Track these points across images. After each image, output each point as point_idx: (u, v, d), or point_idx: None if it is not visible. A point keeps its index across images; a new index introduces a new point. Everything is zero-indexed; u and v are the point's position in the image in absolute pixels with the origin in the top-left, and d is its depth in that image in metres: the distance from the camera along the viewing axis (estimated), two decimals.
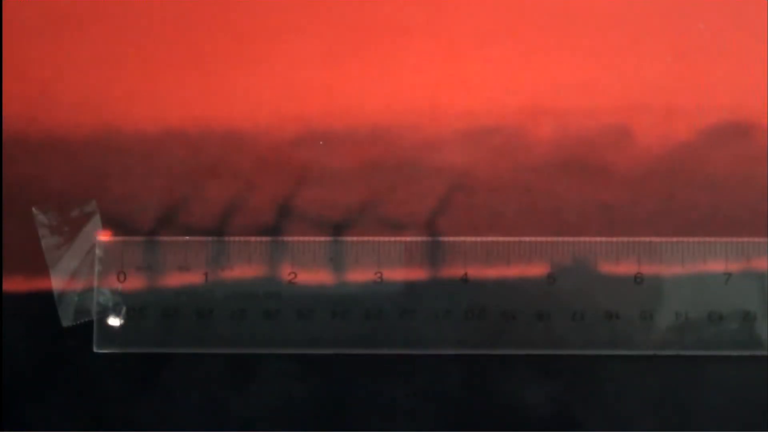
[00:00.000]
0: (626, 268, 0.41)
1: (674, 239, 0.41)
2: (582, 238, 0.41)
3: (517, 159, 0.42)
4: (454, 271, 0.41)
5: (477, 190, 0.42)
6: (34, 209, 0.42)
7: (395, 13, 0.42)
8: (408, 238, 0.41)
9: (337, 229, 0.42)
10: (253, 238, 0.41)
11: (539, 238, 0.41)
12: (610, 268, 0.41)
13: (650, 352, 0.41)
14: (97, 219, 0.42)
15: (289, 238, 0.41)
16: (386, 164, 0.42)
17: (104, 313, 0.41)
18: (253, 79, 0.42)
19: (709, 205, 0.41)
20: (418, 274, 0.41)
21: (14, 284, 0.42)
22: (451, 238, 0.41)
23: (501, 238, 0.41)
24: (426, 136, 0.42)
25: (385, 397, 0.41)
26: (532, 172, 0.42)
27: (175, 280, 0.41)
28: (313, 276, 0.41)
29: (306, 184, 0.42)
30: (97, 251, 0.41)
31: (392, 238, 0.41)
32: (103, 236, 0.42)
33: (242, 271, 0.41)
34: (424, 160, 0.42)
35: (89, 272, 0.41)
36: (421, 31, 0.42)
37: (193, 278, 0.41)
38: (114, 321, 0.41)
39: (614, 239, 0.41)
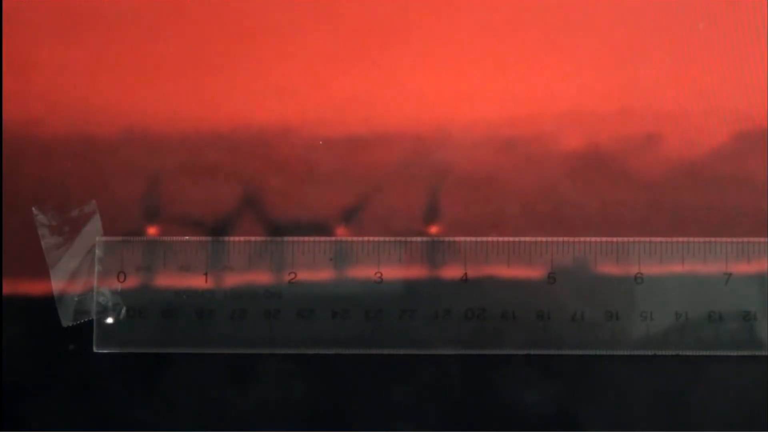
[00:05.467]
0: (626, 268, 0.41)
1: (674, 239, 0.41)
2: (582, 238, 0.41)
3: (522, 161, 0.42)
4: (454, 271, 0.41)
5: (481, 192, 0.42)
6: (34, 209, 0.42)
7: (401, 13, 0.42)
8: (408, 238, 0.41)
9: (337, 229, 0.42)
10: (253, 238, 0.41)
11: (539, 238, 0.41)
12: (610, 268, 0.41)
13: (650, 352, 0.41)
14: (97, 219, 0.42)
15: (289, 238, 0.41)
16: (388, 165, 0.42)
17: (104, 313, 0.41)
18: (254, 80, 0.42)
19: (710, 205, 0.41)
20: (418, 274, 0.41)
21: (14, 284, 0.42)
22: (451, 238, 0.41)
23: (501, 238, 0.41)
24: (431, 138, 0.42)
25: (385, 397, 0.41)
26: (537, 174, 0.42)
27: (175, 280, 0.41)
28: (313, 276, 0.41)
29: (306, 185, 0.42)
30: (97, 251, 0.41)
31: (392, 238, 0.41)
32: (103, 236, 0.42)
33: (242, 271, 0.41)
34: (428, 161, 0.42)
35: (89, 272, 0.41)
36: (429, 33, 0.42)
37: (193, 278, 0.41)
38: (114, 321, 0.41)
39: (614, 239, 0.41)
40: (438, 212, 0.42)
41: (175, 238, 0.41)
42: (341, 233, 0.42)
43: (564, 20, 0.42)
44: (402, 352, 0.41)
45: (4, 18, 0.42)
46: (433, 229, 0.41)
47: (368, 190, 0.42)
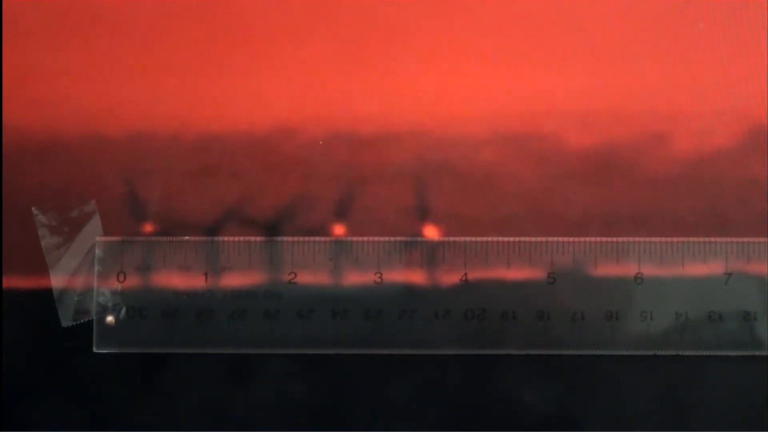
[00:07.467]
0: (626, 268, 0.41)
1: (674, 239, 0.41)
2: (582, 238, 0.41)
3: (522, 160, 0.42)
4: (454, 271, 0.41)
5: (481, 192, 0.42)
6: (34, 209, 0.42)
7: (401, 13, 0.42)
8: (408, 238, 0.41)
9: (336, 229, 0.42)
10: (253, 238, 0.41)
11: (539, 238, 0.41)
12: (610, 268, 0.41)
13: (650, 352, 0.41)
14: (96, 219, 0.42)
15: (289, 239, 0.41)
16: (389, 165, 0.42)
17: (104, 313, 0.41)
18: (254, 80, 0.42)
19: (710, 205, 0.41)
20: (418, 274, 0.41)
21: (14, 284, 0.42)
22: (451, 238, 0.41)
23: (501, 238, 0.41)
24: (431, 137, 0.42)
25: (385, 397, 0.41)
26: (537, 174, 0.42)
27: (174, 280, 0.41)
28: (313, 276, 0.41)
29: (307, 185, 0.42)
30: (97, 251, 0.41)
31: (392, 238, 0.41)
32: (103, 236, 0.42)
33: (242, 271, 0.41)
34: (429, 161, 0.42)
35: (89, 272, 0.41)
36: (429, 32, 0.42)
37: (193, 278, 0.41)
38: (114, 321, 0.41)
39: (614, 239, 0.41)
40: (438, 212, 0.42)
41: (175, 238, 0.41)
42: (341, 232, 0.42)
43: (564, 20, 0.42)
44: (402, 352, 0.41)
45: (5, 21, 0.42)
46: (433, 229, 0.41)
47: (368, 190, 0.42)
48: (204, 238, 0.41)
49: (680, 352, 0.41)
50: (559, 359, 0.41)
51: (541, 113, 0.42)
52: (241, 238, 0.41)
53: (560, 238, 0.41)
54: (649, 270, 0.41)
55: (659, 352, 0.41)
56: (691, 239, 0.41)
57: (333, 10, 0.42)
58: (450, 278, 0.41)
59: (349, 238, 0.41)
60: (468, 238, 0.41)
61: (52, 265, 0.41)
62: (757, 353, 0.41)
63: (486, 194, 0.42)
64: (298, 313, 0.41)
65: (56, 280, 0.41)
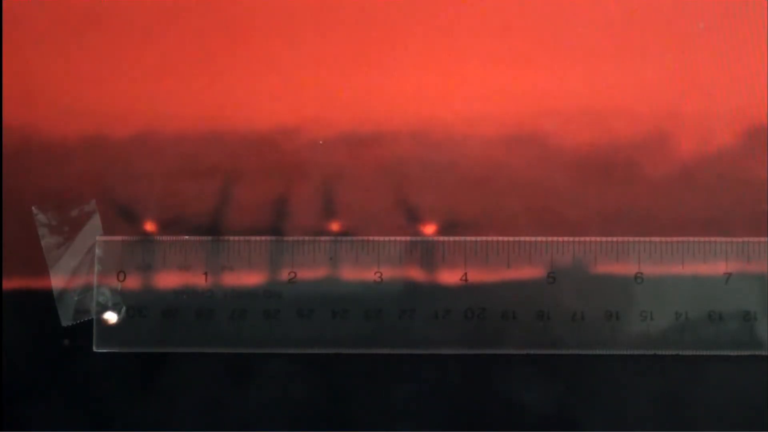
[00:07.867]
0: (626, 268, 0.41)
1: (674, 239, 0.41)
2: (582, 238, 0.41)
3: (522, 160, 0.42)
4: (454, 271, 0.41)
5: (481, 191, 0.42)
6: (34, 209, 0.42)
7: (400, 13, 0.42)
8: (408, 238, 0.41)
9: (336, 229, 0.42)
10: (253, 238, 0.41)
11: (539, 238, 0.41)
12: (610, 268, 0.41)
13: (650, 352, 0.41)
14: (96, 219, 0.42)
15: (289, 238, 0.41)
16: (389, 164, 0.42)
17: (104, 313, 0.41)
18: (255, 80, 0.42)
19: (710, 205, 0.41)
20: (418, 274, 0.41)
21: (14, 284, 0.42)
22: (451, 238, 0.41)
23: (501, 238, 0.41)
24: (431, 137, 0.42)
25: (385, 397, 0.41)
26: (537, 173, 0.42)
27: (175, 279, 0.41)
28: (313, 276, 0.41)
29: (307, 185, 0.42)
30: (97, 251, 0.41)
31: (392, 238, 0.41)
32: (103, 236, 0.42)
33: (242, 270, 0.41)
34: (428, 161, 0.42)
35: (89, 272, 0.41)
36: (429, 32, 0.42)
37: (193, 278, 0.41)
38: (114, 321, 0.41)
39: (614, 239, 0.41)
40: (438, 211, 0.42)
41: (175, 238, 0.41)
42: (340, 232, 0.42)
43: (564, 20, 0.42)
44: (402, 352, 0.41)
45: (5, 21, 0.42)
46: (433, 229, 0.41)
47: (368, 190, 0.42)
48: (204, 238, 0.41)
49: (680, 352, 0.41)
50: (559, 359, 0.41)
51: (541, 113, 0.42)
52: (241, 238, 0.41)
53: (560, 238, 0.41)
54: (649, 270, 0.41)
55: (659, 352, 0.41)
56: (691, 239, 0.41)
57: (333, 10, 0.42)
58: (450, 278, 0.41)
59: (349, 238, 0.41)
60: (468, 238, 0.41)
61: (52, 264, 0.41)
62: (757, 353, 0.41)
63: (486, 194, 0.42)
64: (298, 312, 0.41)
65: (56, 280, 0.41)
